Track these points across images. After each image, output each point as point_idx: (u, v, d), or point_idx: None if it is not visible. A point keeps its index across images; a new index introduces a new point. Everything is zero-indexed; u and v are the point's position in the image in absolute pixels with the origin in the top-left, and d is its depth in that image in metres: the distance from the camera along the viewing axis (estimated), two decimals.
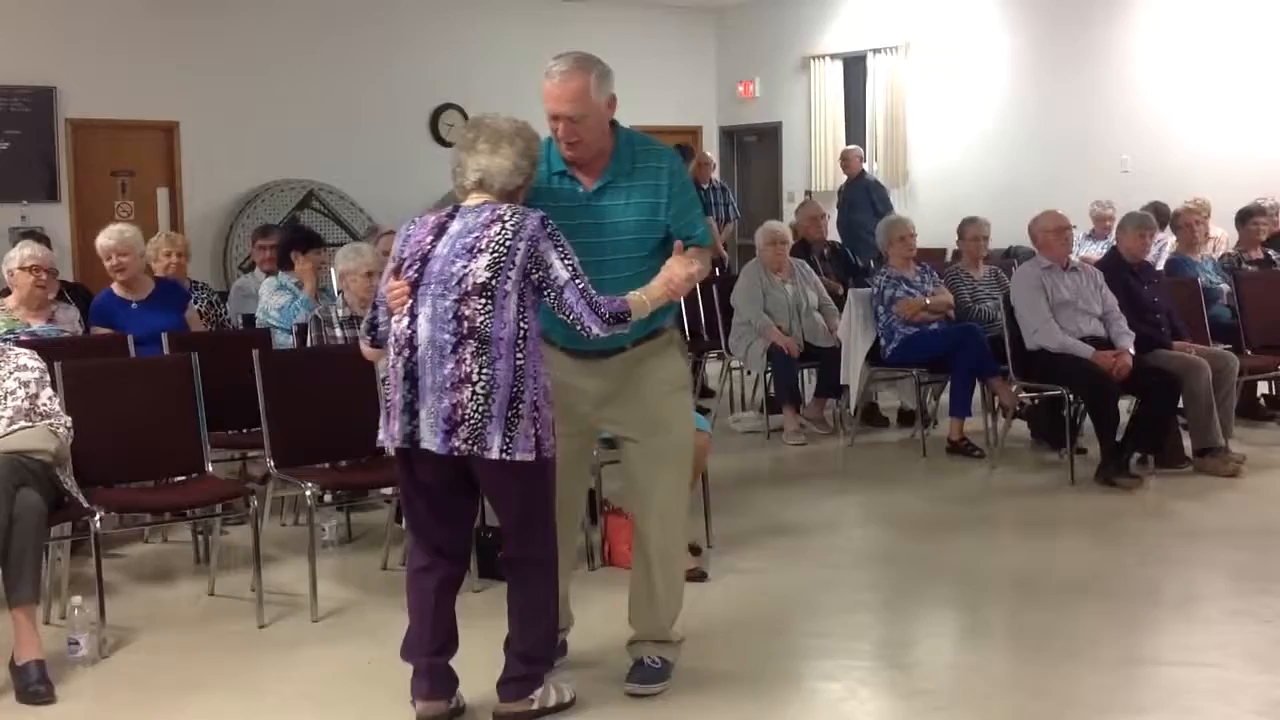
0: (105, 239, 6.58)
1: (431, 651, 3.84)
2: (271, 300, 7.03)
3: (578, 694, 4.01)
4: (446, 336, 3.63)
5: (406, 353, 3.70)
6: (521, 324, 3.63)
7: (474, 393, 3.60)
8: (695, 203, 4.08)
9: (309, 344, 6.12)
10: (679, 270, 3.81)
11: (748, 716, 3.96)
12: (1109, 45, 12.37)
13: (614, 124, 3.98)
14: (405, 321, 3.71)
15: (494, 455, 3.61)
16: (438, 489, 3.80)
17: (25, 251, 6.03)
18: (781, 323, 8.16)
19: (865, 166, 12.73)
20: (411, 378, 3.68)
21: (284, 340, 6.69)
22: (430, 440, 3.65)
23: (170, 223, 11.83)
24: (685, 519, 4.18)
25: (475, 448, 3.61)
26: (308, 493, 5.01)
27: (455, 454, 3.63)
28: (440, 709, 3.85)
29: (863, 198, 11.86)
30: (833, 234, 10.96)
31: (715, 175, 12.87)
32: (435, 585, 3.84)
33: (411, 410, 3.68)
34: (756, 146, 15.60)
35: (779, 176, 15.18)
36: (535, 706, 3.87)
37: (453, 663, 3.90)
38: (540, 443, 3.65)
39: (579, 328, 3.67)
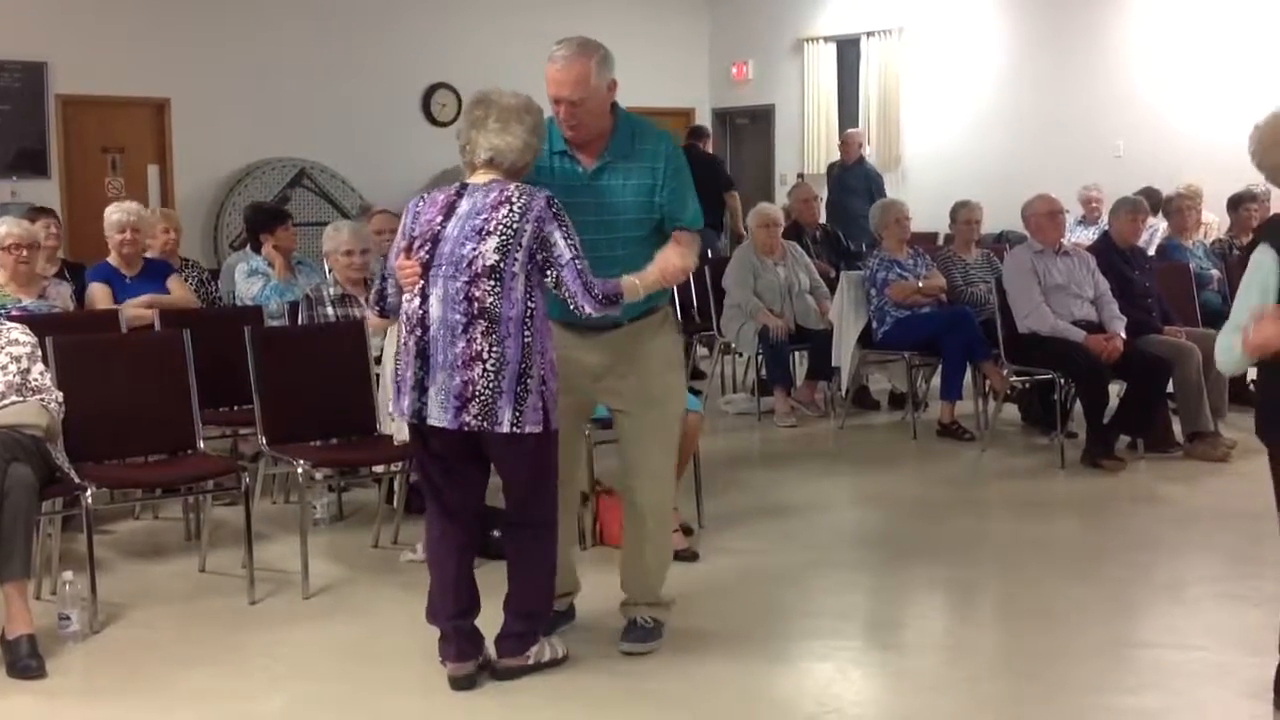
0: (123, 214, 6.57)
1: (454, 615, 3.98)
2: (244, 288, 7.00)
3: (573, 656, 4.11)
4: (458, 317, 3.73)
5: (419, 332, 3.80)
6: (529, 303, 3.74)
7: (484, 370, 3.72)
8: (688, 186, 4.15)
9: (300, 321, 6.11)
10: (674, 259, 3.89)
11: (738, 696, 3.97)
12: (1103, 31, 12.36)
13: (614, 105, 4.07)
14: (417, 301, 3.81)
15: (505, 429, 3.74)
16: (449, 460, 3.93)
17: (2, 230, 5.99)
18: (773, 305, 8.16)
19: (865, 152, 12.68)
20: (423, 355, 3.79)
21: (268, 299, 6.76)
22: (440, 417, 3.77)
23: (161, 200, 11.76)
24: (673, 487, 4.37)
25: (486, 422, 3.74)
26: (299, 470, 5.00)
27: (465, 429, 3.75)
28: (469, 669, 3.99)
29: (860, 184, 11.81)
30: (821, 216, 10.92)
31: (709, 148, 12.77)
32: (452, 552, 3.99)
33: (421, 387, 3.80)
34: (749, 129, 15.57)
35: (771, 159, 15.13)
36: (531, 662, 4.01)
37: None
38: (548, 415, 3.79)
39: (572, 305, 3.77)
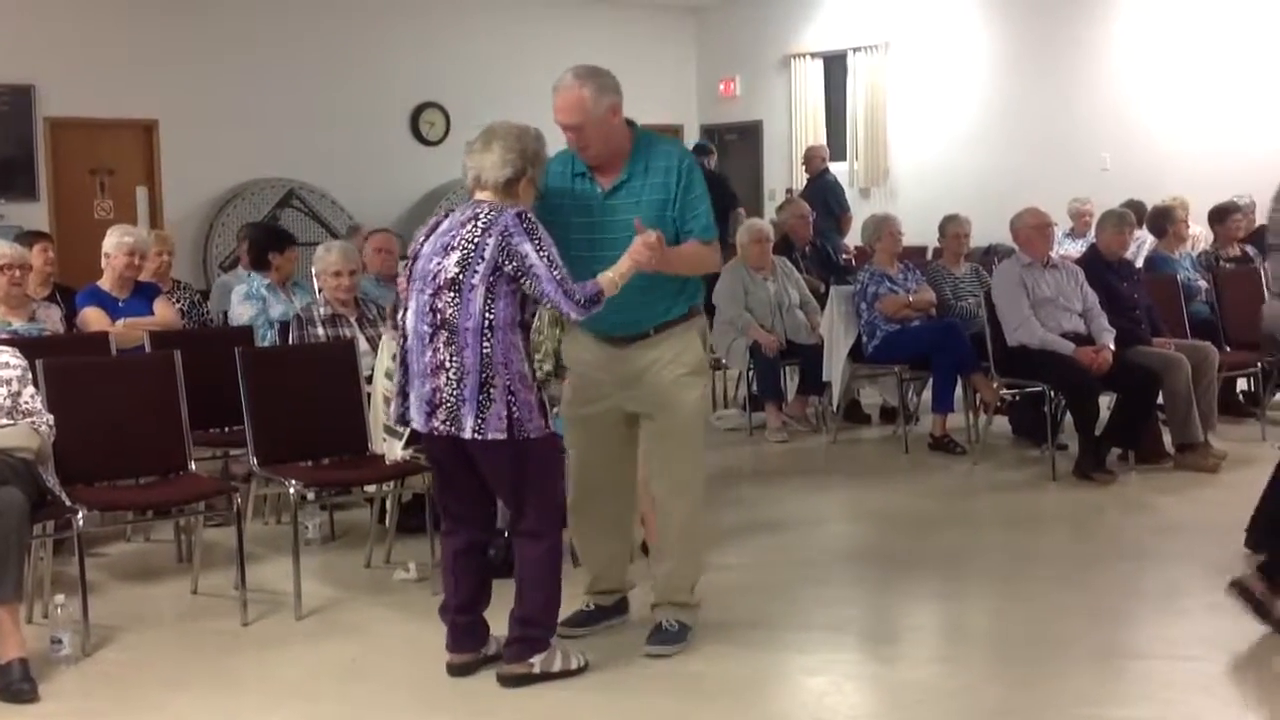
0: (132, 238, 6.53)
1: (455, 609, 4.18)
2: (240, 311, 6.90)
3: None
4: (425, 327, 3.95)
5: (402, 341, 4.05)
6: (487, 315, 3.88)
7: (448, 378, 3.91)
8: (701, 199, 4.26)
9: (290, 341, 6.10)
10: (639, 244, 4.02)
11: (732, 712, 3.97)
12: (1089, 44, 12.44)
13: (632, 125, 4.24)
14: (402, 313, 4.07)
15: (467, 435, 3.90)
16: (444, 462, 4.14)
17: None
18: (763, 320, 8.18)
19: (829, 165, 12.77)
20: (404, 364, 4.04)
21: (265, 336, 6.68)
22: (417, 420, 4.00)
23: (150, 222, 11.77)
24: (699, 491, 4.44)
25: (452, 427, 3.92)
26: (291, 490, 5.00)
27: (434, 433, 3.95)
28: (466, 659, 4.18)
29: (817, 197, 11.89)
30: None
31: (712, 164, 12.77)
32: (455, 550, 4.16)
33: (404, 393, 4.04)
34: (738, 145, 15.62)
35: (760, 175, 15.20)
36: (536, 670, 4.09)
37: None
38: (515, 424, 3.90)
39: (558, 312, 3.98)
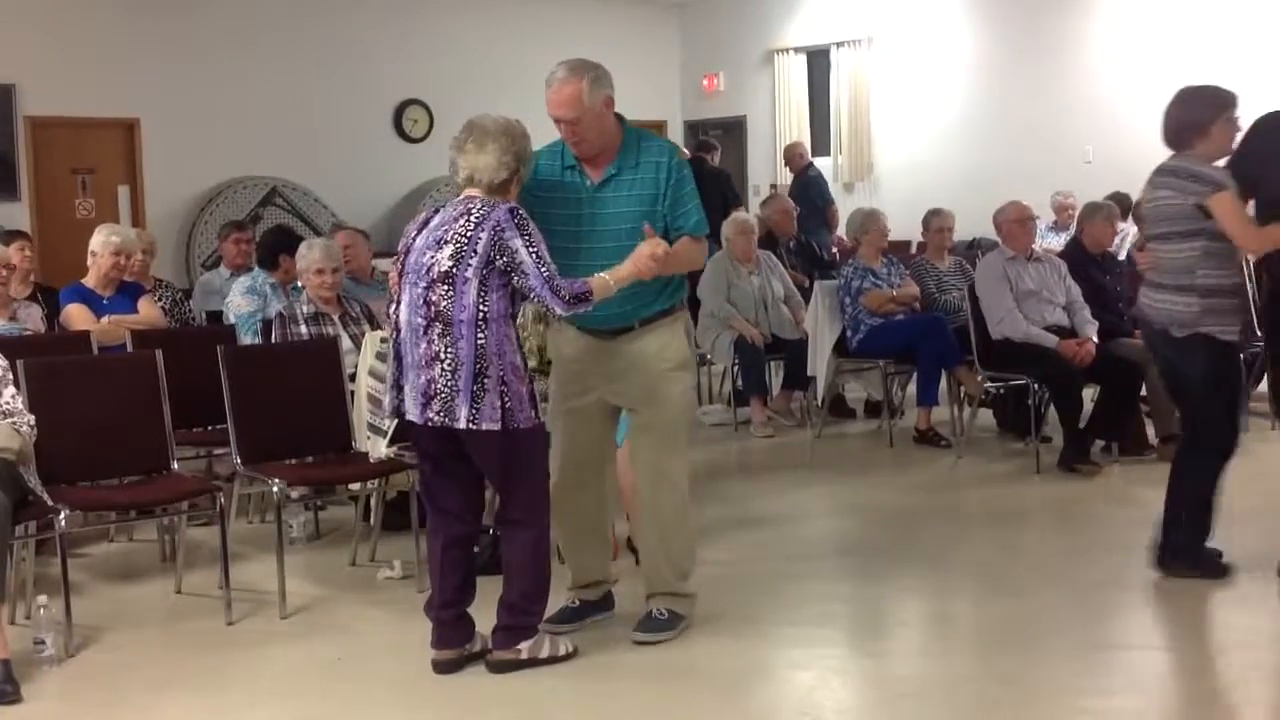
0: (119, 238, 6.49)
1: (439, 605, 4.19)
2: (240, 303, 6.85)
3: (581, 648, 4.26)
4: (419, 320, 3.99)
5: (395, 334, 4.10)
6: (481, 307, 3.94)
7: (442, 369, 3.96)
8: (692, 195, 4.34)
9: (274, 340, 6.08)
10: (644, 250, 4.09)
11: (719, 706, 3.97)
12: (1071, 37, 12.46)
13: (620, 119, 4.29)
14: (393, 306, 4.10)
15: (461, 425, 3.94)
16: (436, 454, 4.15)
17: None
18: (747, 314, 8.18)
19: (813, 160, 12.79)
20: (398, 356, 4.07)
21: (248, 333, 6.64)
22: (412, 411, 4.03)
23: (131, 221, 11.71)
24: (685, 484, 4.45)
25: (446, 418, 3.98)
26: (274, 489, 4.98)
27: (429, 424, 3.98)
28: (451, 656, 4.19)
29: (805, 193, 11.90)
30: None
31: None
32: (441, 545, 4.18)
33: (398, 385, 4.07)
34: (721, 140, 15.56)
35: (744, 170, 15.19)
36: (524, 656, 4.14)
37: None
38: (508, 414, 3.96)
39: (543, 308, 4.03)
